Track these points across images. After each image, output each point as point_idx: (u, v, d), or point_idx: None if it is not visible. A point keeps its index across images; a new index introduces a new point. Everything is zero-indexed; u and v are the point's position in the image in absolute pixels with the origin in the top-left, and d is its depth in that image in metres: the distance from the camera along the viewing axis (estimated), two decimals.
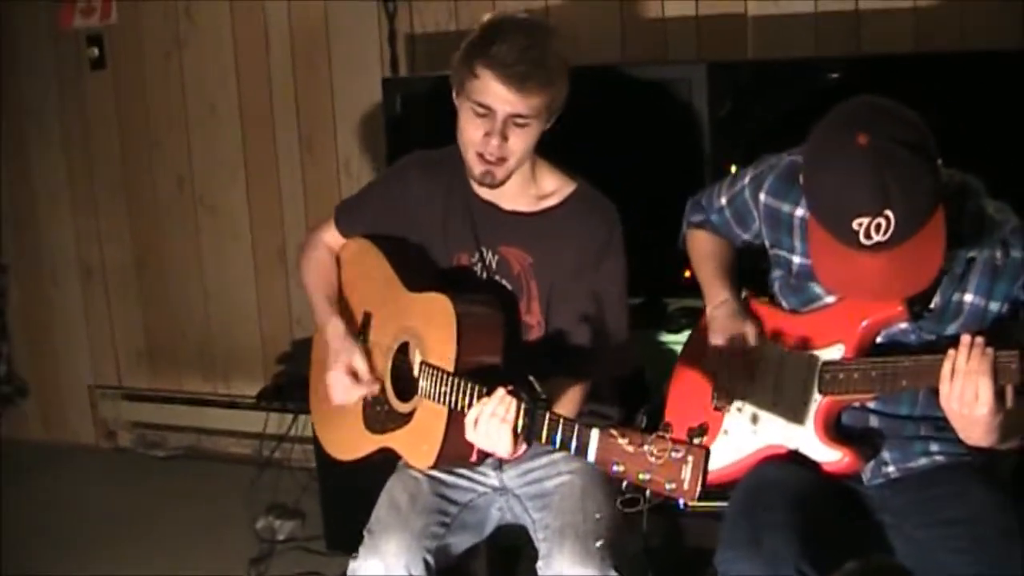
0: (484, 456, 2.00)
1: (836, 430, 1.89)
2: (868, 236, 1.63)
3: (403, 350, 2.09)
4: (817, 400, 1.88)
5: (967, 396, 1.65)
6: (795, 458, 1.89)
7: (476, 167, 2.01)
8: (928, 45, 2.72)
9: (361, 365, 2.08)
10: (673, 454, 1.58)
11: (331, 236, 2.29)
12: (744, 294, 2.06)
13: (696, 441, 1.73)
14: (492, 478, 2.13)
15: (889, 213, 1.61)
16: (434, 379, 1.94)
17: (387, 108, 2.92)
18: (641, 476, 1.60)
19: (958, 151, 1.78)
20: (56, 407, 4.08)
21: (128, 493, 3.68)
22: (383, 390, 2.10)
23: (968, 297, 1.81)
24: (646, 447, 1.60)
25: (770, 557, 1.70)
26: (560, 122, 2.06)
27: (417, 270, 2.15)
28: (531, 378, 1.79)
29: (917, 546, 1.81)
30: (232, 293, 3.74)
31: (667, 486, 1.59)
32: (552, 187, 2.10)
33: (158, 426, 3.95)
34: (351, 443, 2.17)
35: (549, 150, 2.10)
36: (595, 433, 1.67)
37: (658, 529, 2.17)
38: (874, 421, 1.90)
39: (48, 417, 4.10)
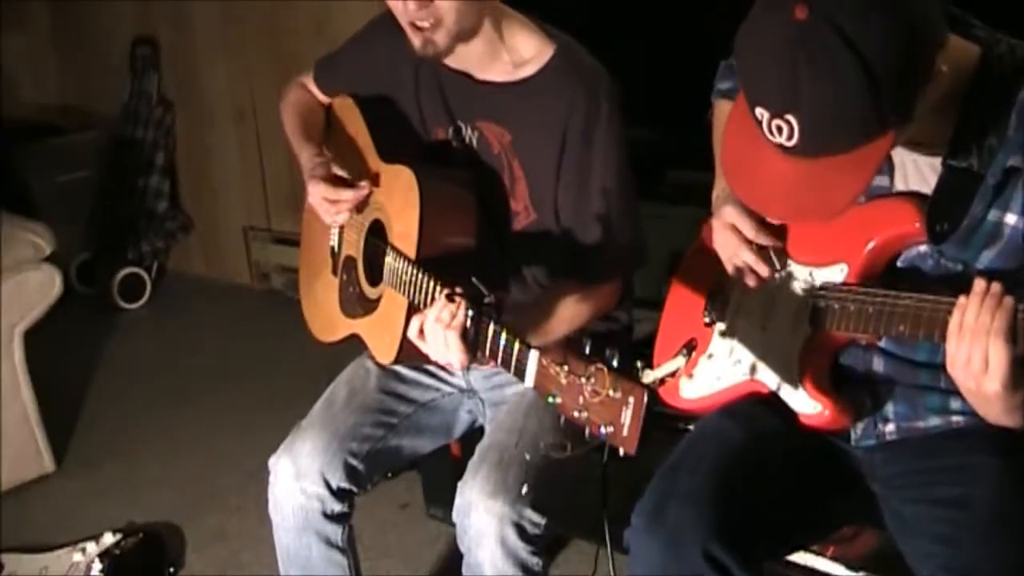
0: None
1: (827, 373, 1.47)
2: (771, 132, 1.20)
3: (375, 228, 1.85)
4: (807, 332, 1.46)
5: (974, 363, 1.20)
6: (773, 403, 1.49)
7: (414, 39, 1.66)
8: None
9: (340, 170, 1.80)
10: (612, 392, 1.24)
11: (315, 89, 2.03)
12: None
13: (666, 370, 1.38)
14: (459, 378, 1.88)
15: (791, 119, 1.17)
16: (397, 266, 1.70)
17: None
18: (576, 413, 1.29)
19: None
20: (215, 246, 4.19)
21: (256, 334, 3.76)
22: (356, 269, 1.88)
23: (1010, 218, 1.30)
24: (583, 380, 1.27)
25: (672, 534, 1.35)
26: None
27: (394, 139, 1.86)
28: (474, 280, 1.48)
29: (904, 526, 1.40)
30: None
31: (603, 429, 1.26)
32: (530, 51, 1.72)
33: None
34: (329, 324, 1.98)
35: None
36: (533, 356, 1.35)
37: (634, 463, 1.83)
38: (878, 364, 1.46)
39: (209, 255, 4.22)
